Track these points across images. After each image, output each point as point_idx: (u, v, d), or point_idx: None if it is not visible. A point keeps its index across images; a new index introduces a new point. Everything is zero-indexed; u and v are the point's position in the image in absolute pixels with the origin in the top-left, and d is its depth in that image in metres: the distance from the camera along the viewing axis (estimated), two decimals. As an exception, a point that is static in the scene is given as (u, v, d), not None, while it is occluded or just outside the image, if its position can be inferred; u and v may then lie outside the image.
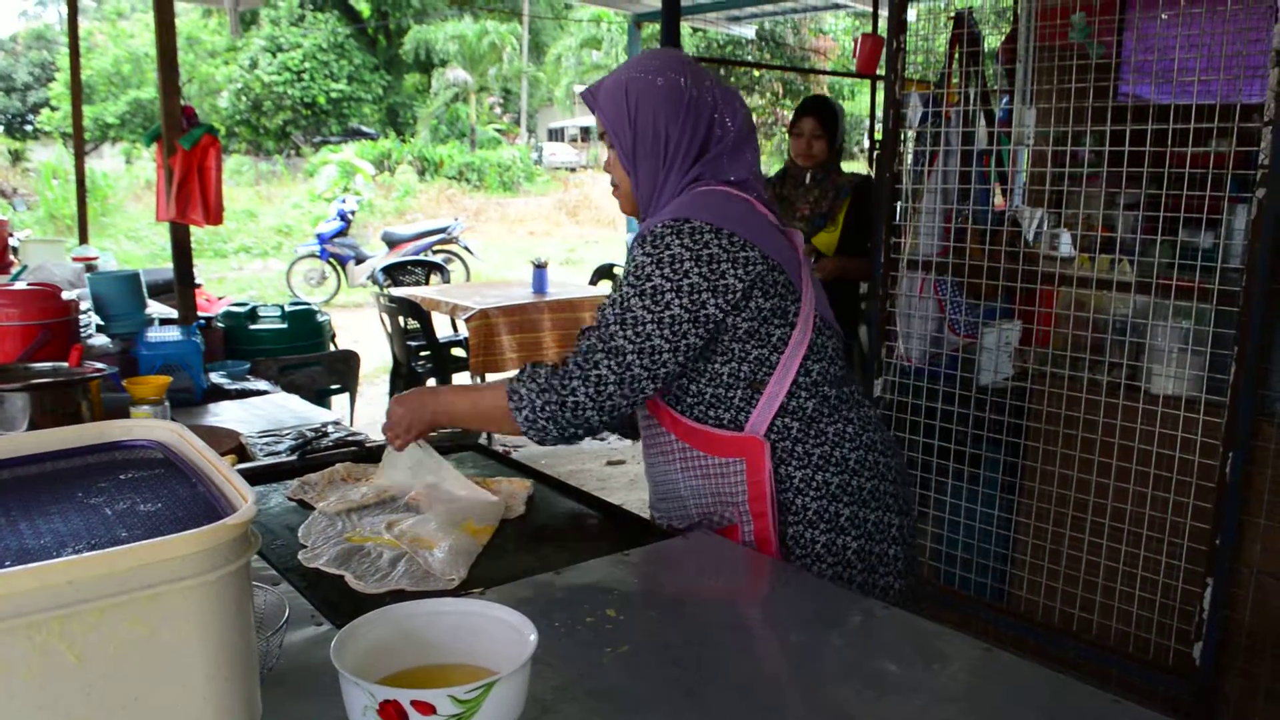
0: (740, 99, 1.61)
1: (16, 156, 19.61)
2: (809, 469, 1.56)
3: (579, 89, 24.76)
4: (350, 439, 2.13)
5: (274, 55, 21.79)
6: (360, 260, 10.90)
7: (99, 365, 2.08)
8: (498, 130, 23.99)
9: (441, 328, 5.72)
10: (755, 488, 1.54)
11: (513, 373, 1.92)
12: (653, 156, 1.54)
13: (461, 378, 5.77)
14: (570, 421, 1.48)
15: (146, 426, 1.01)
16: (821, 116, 3.87)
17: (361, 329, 7.75)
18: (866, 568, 1.58)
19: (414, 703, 0.85)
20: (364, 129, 22.97)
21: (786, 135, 4.02)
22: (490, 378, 5.45)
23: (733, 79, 19.85)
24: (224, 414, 2.53)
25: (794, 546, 1.56)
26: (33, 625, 0.66)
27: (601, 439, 5.74)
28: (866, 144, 6.77)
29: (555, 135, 28.16)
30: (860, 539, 1.58)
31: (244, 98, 21.67)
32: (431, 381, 5.39)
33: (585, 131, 27.29)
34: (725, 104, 1.56)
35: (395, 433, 1.67)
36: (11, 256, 4.99)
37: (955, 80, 3.25)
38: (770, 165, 9.62)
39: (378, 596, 1.32)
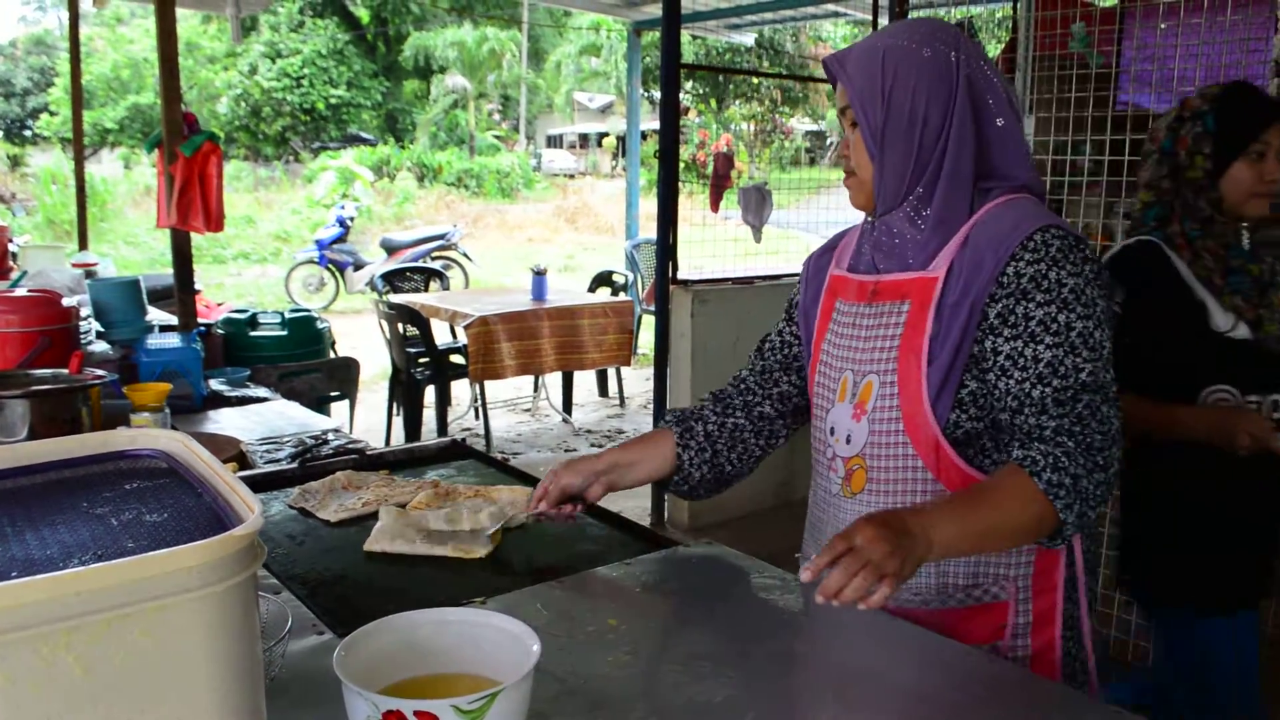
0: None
1: (15, 161, 19.62)
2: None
3: (578, 94, 24.78)
4: (350, 446, 2.13)
5: (273, 61, 21.82)
6: (359, 266, 10.92)
7: (99, 372, 2.08)
8: (496, 137, 24.01)
9: (440, 334, 5.72)
10: (1047, 558, 1.31)
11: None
12: (905, 141, 1.27)
13: (461, 385, 5.76)
14: (1111, 493, 1.23)
15: (151, 436, 1.00)
16: None
17: (360, 335, 7.74)
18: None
19: (417, 713, 0.85)
20: (363, 135, 23.01)
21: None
22: (490, 385, 5.45)
23: (731, 86, 19.90)
24: (224, 421, 2.53)
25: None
26: (39, 636, 0.66)
27: (596, 447, 5.73)
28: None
29: (554, 142, 28.20)
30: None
31: (243, 103, 21.69)
32: (430, 388, 5.38)
33: (584, 138, 27.32)
34: (1003, 86, 1.30)
35: (868, 579, 1.04)
36: (11, 262, 4.99)
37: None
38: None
39: (380, 606, 1.32)
